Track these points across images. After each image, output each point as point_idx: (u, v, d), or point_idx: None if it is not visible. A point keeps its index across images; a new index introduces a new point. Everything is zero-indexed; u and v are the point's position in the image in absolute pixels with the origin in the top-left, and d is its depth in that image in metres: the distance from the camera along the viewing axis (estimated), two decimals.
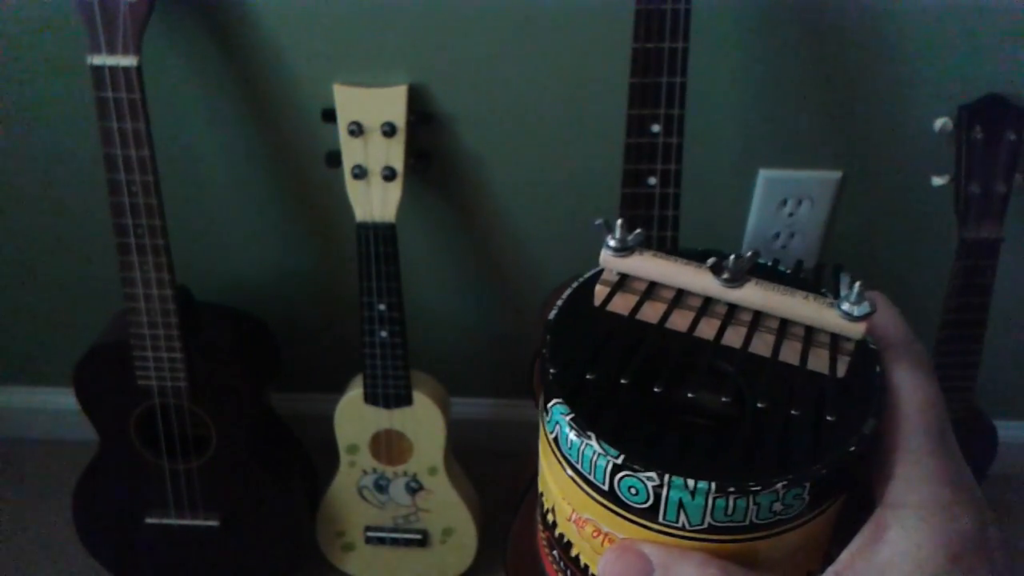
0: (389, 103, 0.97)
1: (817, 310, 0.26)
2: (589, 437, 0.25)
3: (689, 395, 0.25)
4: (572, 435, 0.25)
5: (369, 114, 0.97)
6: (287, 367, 1.27)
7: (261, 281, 1.25)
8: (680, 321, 0.27)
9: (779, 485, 0.23)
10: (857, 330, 0.26)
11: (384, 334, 1.06)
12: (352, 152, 0.99)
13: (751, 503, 0.23)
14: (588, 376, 0.26)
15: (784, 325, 0.27)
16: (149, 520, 1.15)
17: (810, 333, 0.27)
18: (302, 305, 1.28)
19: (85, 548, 1.21)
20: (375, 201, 1.00)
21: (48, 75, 1.06)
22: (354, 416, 1.14)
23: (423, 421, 1.13)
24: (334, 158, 1.00)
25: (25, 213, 1.20)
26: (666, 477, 0.23)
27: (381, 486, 1.19)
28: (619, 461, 0.24)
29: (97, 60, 0.91)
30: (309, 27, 1.01)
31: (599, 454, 0.24)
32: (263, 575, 1.25)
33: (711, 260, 0.27)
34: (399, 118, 0.97)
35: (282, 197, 1.16)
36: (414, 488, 1.19)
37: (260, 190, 1.16)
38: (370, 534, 1.23)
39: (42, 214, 1.20)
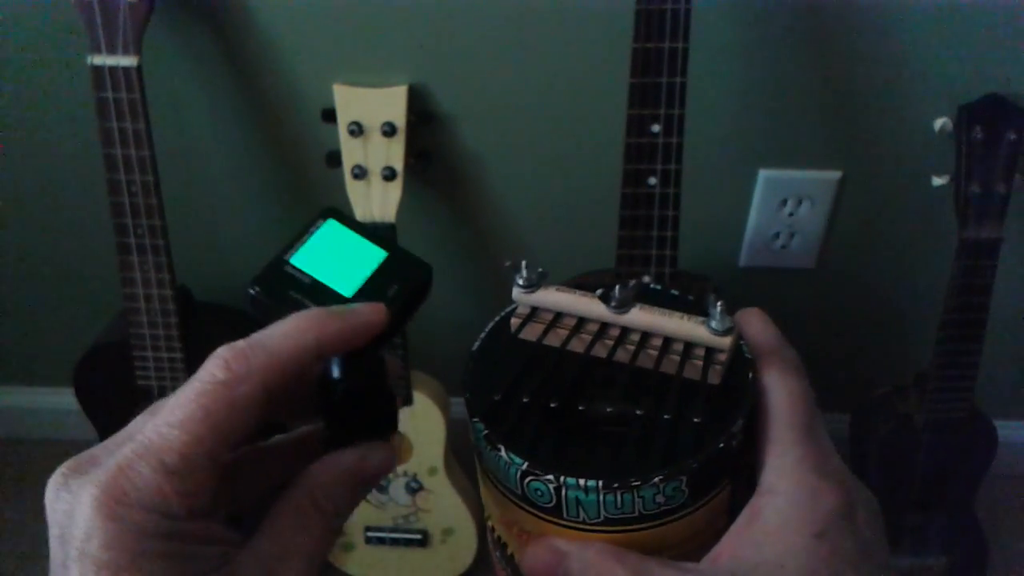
0: (389, 103, 0.97)
1: (690, 328, 0.31)
2: (499, 449, 0.29)
3: (580, 408, 0.29)
4: (488, 448, 0.29)
5: (369, 114, 0.97)
6: None
7: None
8: (578, 344, 0.32)
9: (656, 479, 0.27)
10: (724, 343, 0.31)
11: None
12: (352, 152, 0.99)
13: (636, 496, 0.27)
14: (495, 398, 0.30)
15: (667, 343, 0.31)
16: None
17: (689, 348, 0.31)
18: None
19: None
20: (375, 201, 1.00)
21: (48, 75, 1.06)
22: None
23: (423, 421, 1.13)
24: (334, 158, 1.00)
25: (25, 213, 1.20)
26: (562, 478, 0.27)
27: (381, 486, 1.19)
28: (524, 467, 0.28)
29: (97, 60, 0.91)
30: (309, 27, 1.01)
31: (508, 463, 0.28)
32: None
33: (600, 291, 0.32)
34: (399, 118, 0.97)
35: (282, 197, 1.16)
36: (414, 488, 1.19)
37: (260, 190, 1.16)
38: (370, 534, 1.23)
39: (42, 214, 1.20)
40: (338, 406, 0.31)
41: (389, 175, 0.99)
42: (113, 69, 0.91)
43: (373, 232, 0.33)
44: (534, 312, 0.33)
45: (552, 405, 0.29)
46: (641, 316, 0.31)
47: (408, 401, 1.12)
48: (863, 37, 0.99)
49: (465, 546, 1.23)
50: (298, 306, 0.31)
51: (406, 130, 0.98)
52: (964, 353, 1.03)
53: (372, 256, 0.33)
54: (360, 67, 1.02)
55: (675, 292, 0.35)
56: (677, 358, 0.31)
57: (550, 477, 0.28)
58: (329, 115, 0.98)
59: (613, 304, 0.31)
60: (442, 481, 1.18)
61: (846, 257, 1.18)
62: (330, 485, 0.30)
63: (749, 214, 1.13)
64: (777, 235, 1.15)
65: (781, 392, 0.31)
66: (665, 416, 0.29)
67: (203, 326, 1.11)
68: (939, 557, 1.17)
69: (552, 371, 0.31)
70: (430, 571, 1.26)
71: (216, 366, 0.29)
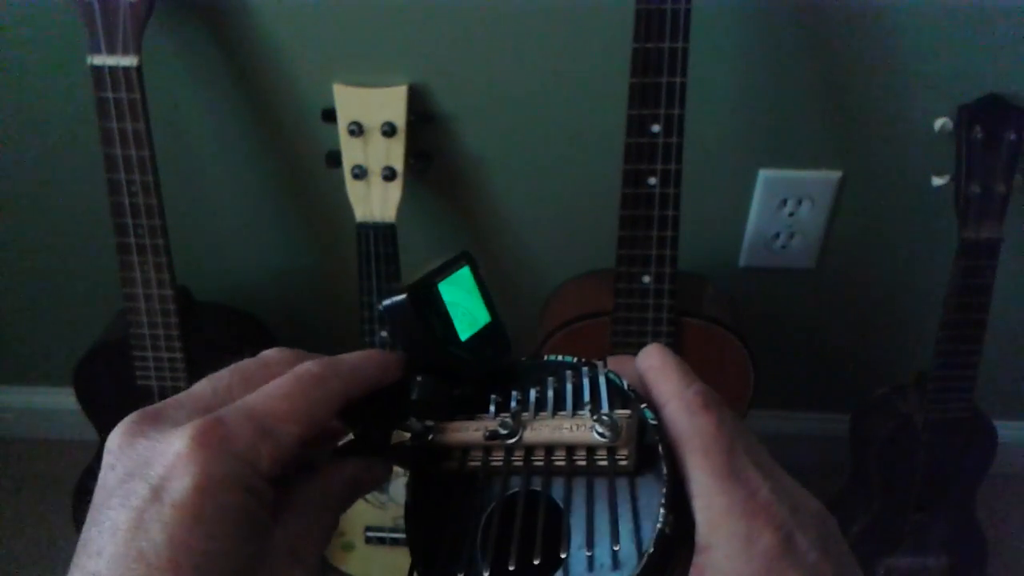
0: (389, 103, 0.97)
1: (582, 437, 0.31)
2: None
3: (511, 568, 0.30)
4: None
5: (369, 114, 0.97)
6: None
7: (261, 281, 1.25)
8: (493, 471, 0.33)
9: None
10: (620, 444, 0.31)
11: (384, 334, 1.06)
12: (352, 152, 0.99)
13: None
14: None
15: (571, 449, 0.32)
16: None
17: (592, 448, 0.32)
18: (302, 305, 1.28)
19: None
20: (375, 201, 1.00)
21: (48, 75, 1.06)
22: None
23: None
24: (334, 158, 1.00)
25: (25, 213, 1.20)
26: None
27: (381, 486, 1.19)
28: None
29: (97, 60, 0.91)
30: (309, 27, 1.01)
31: None
32: None
33: (488, 432, 0.33)
34: (399, 118, 0.97)
35: (282, 197, 1.16)
36: None
37: (260, 190, 1.16)
38: (370, 534, 1.23)
39: (42, 214, 1.20)
40: (392, 419, 0.35)
41: (389, 175, 0.99)
42: (113, 69, 0.91)
43: (487, 292, 0.37)
44: (446, 451, 0.34)
45: (485, 575, 0.30)
46: (533, 436, 0.32)
47: None
48: (863, 37, 0.99)
49: None
50: (428, 332, 0.34)
51: (406, 130, 0.98)
52: (964, 353, 1.03)
53: (481, 315, 0.37)
54: (360, 67, 1.02)
55: (568, 360, 0.35)
56: (583, 463, 0.31)
57: None
58: (329, 115, 0.98)
59: (503, 439, 0.33)
60: None
61: (846, 257, 1.18)
62: (338, 486, 0.33)
63: (749, 214, 1.13)
64: (777, 235, 1.15)
65: (692, 442, 0.30)
66: (587, 554, 0.29)
67: (203, 326, 1.11)
68: (939, 557, 1.17)
69: (481, 508, 0.32)
70: None
71: (309, 361, 0.32)
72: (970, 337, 1.02)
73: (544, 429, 0.32)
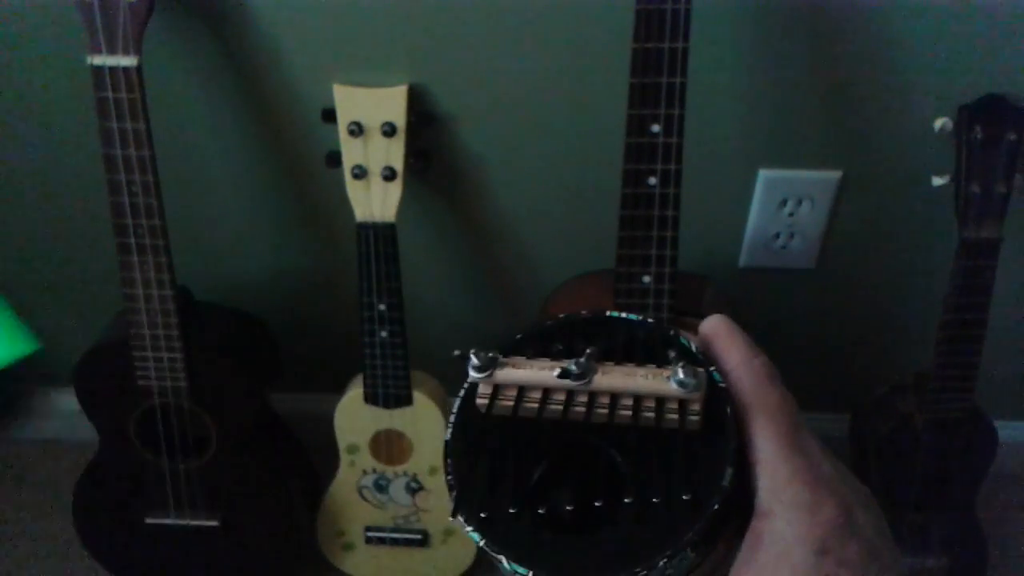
0: (389, 103, 0.97)
1: (657, 386, 0.30)
2: (500, 560, 0.29)
3: (568, 508, 0.29)
4: (490, 554, 0.29)
5: (369, 114, 0.97)
6: (287, 367, 1.27)
7: (261, 281, 1.25)
8: (552, 414, 0.31)
9: (661, 563, 0.27)
10: (695, 397, 0.30)
11: (384, 334, 1.06)
12: (352, 152, 0.99)
13: None
14: (482, 515, 0.30)
15: (638, 399, 0.31)
16: (149, 520, 1.15)
17: (661, 400, 0.31)
18: (302, 305, 1.28)
19: (85, 548, 1.21)
20: (375, 201, 1.00)
21: (48, 75, 1.06)
22: (354, 416, 1.14)
23: (423, 421, 1.13)
24: (334, 158, 1.00)
25: (25, 213, 1.20)
26: None
27: (381, 486, 1.19)
28: (531, 575, 0.28)
29: (97, 60, 0.91)
30: (309, 27, 1.01)
31: (513, 572, 0.29)
32: (263, 575, 1.25)
33: (558, 370, 0.31)
34: (399, 118, 0.97)
35: (282, 197, 1.16)
36: (414, 488, 1.19)
37: (260, 190, 1.16)
38: (370, 534, 1.23)
39: (42, 214, 1.20)
40: None
41: (389, 175, 0.99)
42: (113, 69, 0.91)
43: None
44: (497, 390, 0.32)
45: (540, 512, 0.29)
46: (606, 381, 0.31)
47: (408, 401, 1.12)
48: (863, 37, 0.99)
49: (465, 546, 1.23)
50: None
51: (406, 130, 0.98)
52: (964, 353, 1.03)
53: None
54: (360, 67, 1.02)
55: (632, 317, 0.34)
56: (652, 415, 0.30)
57: None
58: (329, 115, 0.98)
59: (574, 379, 0.31)
60: (442, 481, 1.18)
61: (846, 257, 1.18)
62: None
63: (749, 214, 1.13)
64: (777, 235, 1.15)
65: (759, 406, 0.31)
66: (654, 500, 0.28)
67: (203, 326, 1.11)
68: (939, 557, 1.17)
69: (533, 454, 0.31)
70: (430, 571, 1.26)
71: None
72: (970, 337, 1.02)
73: (617, 374, 0.31)
